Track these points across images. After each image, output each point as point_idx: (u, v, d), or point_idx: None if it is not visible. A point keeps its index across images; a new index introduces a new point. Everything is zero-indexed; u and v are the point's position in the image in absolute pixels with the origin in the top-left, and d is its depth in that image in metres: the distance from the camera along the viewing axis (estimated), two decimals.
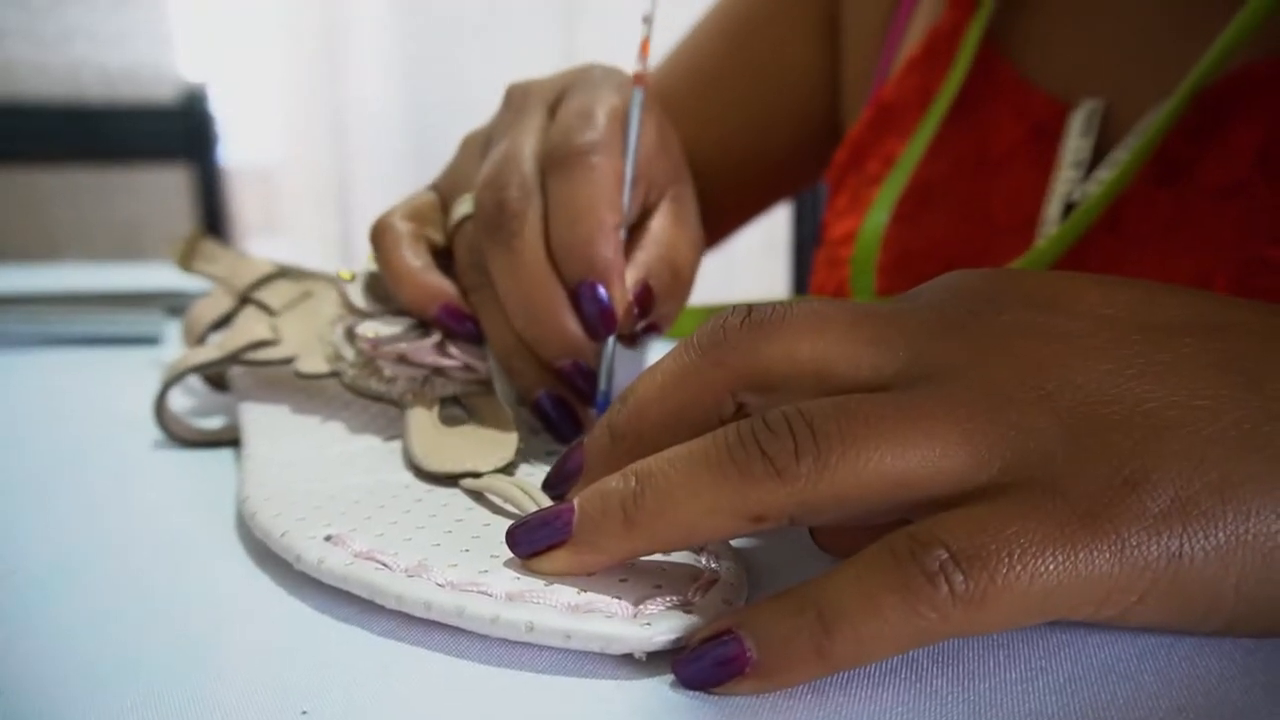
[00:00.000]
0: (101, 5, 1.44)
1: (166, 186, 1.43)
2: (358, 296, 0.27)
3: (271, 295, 0.33)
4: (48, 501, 0.26)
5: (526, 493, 0.22)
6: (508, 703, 0.17)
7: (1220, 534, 0.16)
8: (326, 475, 0.24)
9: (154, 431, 0.31)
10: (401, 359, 0.27)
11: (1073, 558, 0.16)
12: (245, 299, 0.34)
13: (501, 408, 0.27)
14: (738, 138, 0.53)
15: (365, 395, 0.28)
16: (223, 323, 0.34)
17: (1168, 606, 0.16)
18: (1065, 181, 0.35)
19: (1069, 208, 0.35)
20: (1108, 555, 0.16)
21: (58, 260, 1.21)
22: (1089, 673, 0.17)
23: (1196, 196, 0.33)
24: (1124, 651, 0.18)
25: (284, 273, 0.35)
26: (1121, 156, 0.34)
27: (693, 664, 0.17)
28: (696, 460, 0.18)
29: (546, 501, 0.21)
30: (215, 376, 0.35)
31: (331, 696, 0.16)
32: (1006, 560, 0.16)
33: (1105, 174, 0.34)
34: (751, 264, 1.30)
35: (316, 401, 0.30)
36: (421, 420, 0.26)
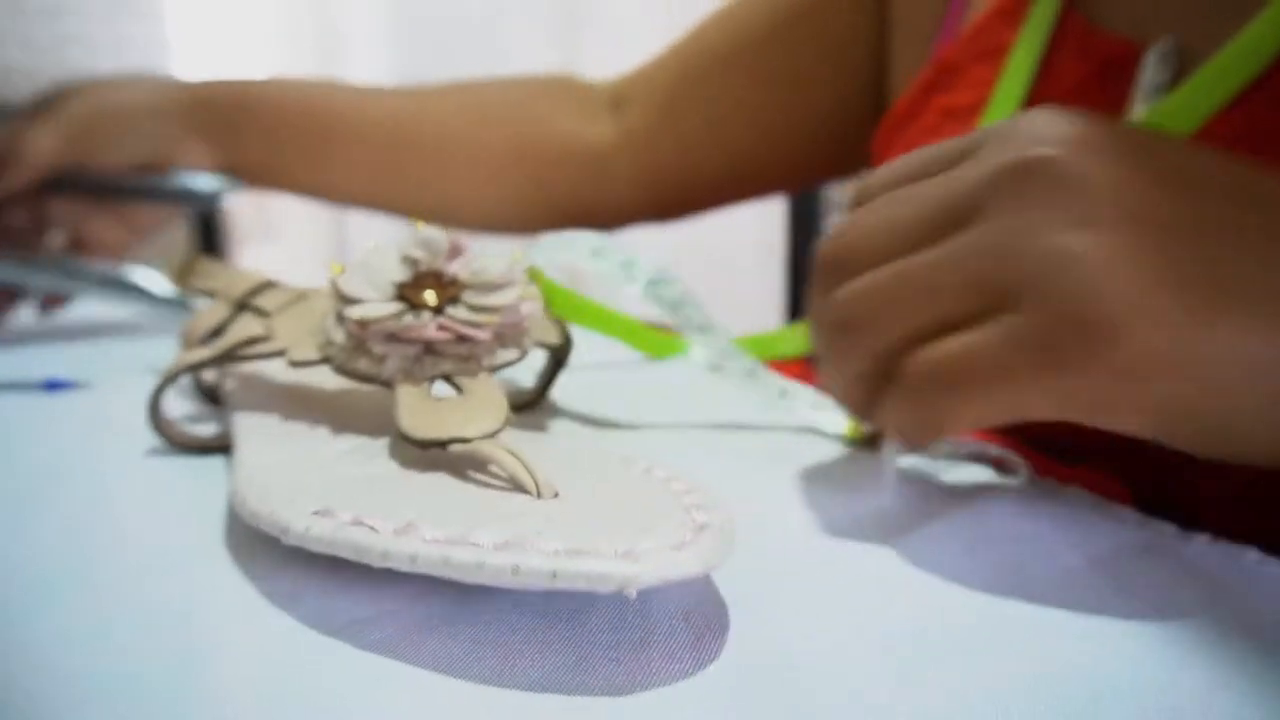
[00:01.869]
0: (98, 13, 1.44)
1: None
2: (348, 284, 0.27)
3: (266, 300, 0.34)
4: (35, 509, 0.26)
5: (516, 457, 0.22)
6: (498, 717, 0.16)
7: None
8: (317, 468, 0.24)
9: (147, 437, 0.31)
10: (391, 337, 0.27)
11: None
12: (241, 305, 0.34)
13: (493, 384, 0.27)
14: (776, 108, 0.55)
15: (355, 377, 0.27)
16: (220, 331, 0.34)
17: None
18: (1141, 107, 0.36)
19: None
20: None
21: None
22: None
23: None
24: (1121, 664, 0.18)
25: (279, 284, 0.35)
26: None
27: None
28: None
29: (537, 470, 0.22)
30: (210, 389, 0.35)
31: (320, 703, 0.16)
32: None
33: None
34: (747, 271, 1.30)
35: (309, 407, 0.30)
36: (410, 395, 0.26)
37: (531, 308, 0.29)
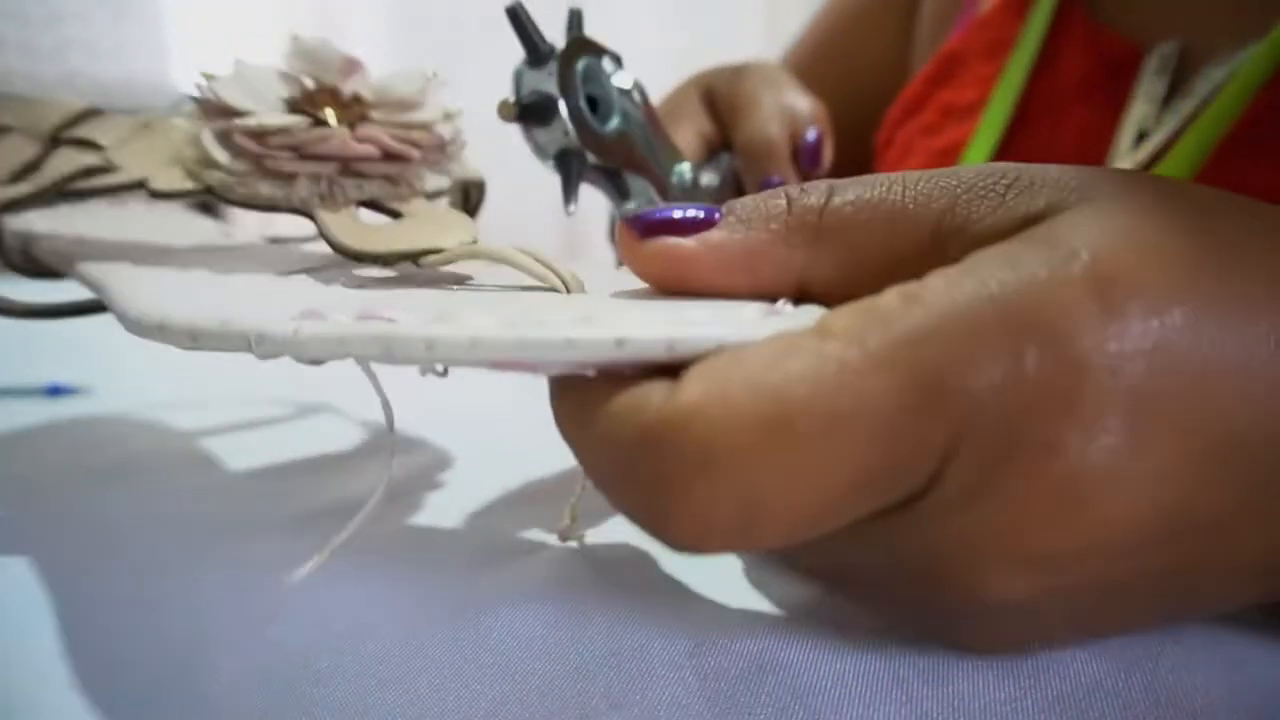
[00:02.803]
0: (98, 18, 1.44)
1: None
2: (228, 93, 0.22)
3: (94, 131, 0.25)
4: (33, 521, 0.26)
5: (529, 254, 0.19)
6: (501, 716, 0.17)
7: None
8: (250, 285, 0.20)
9: (144, 441, 0.31)
10: (299, 153, 0.21)
11: None
12: (56, 140, 0.25)
13: (438, 207, 0.23)
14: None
15: (252, 206, 0.22)
16: (29, 171, 0.25)
17: None
18: (1139, 113, 0.37)
19: (1141, 137, 0.36)
20: None
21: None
22: (1076, 690, 0.17)
23: None
24: (1111, 667, 0.18)
25: (107, 113, 0.27)
26: (1203, 87, 0.35)
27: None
28: None
29: (558, 265, 0.19)
30: (33, 261, 0.27)
31: (319, 712, 0.17)
32: None
33: (1185, 103, 0.35)
34: None
35: (184, 261, 0.24)
36: (339, 218, 0.21)
37: (452, 130, 0.24)
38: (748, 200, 0.18)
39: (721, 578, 0.22)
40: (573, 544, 0.23)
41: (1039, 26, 0.42)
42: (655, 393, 0.14)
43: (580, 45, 0.28)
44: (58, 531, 0.25)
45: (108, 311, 0.26)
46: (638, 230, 0.17)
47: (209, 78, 0.22)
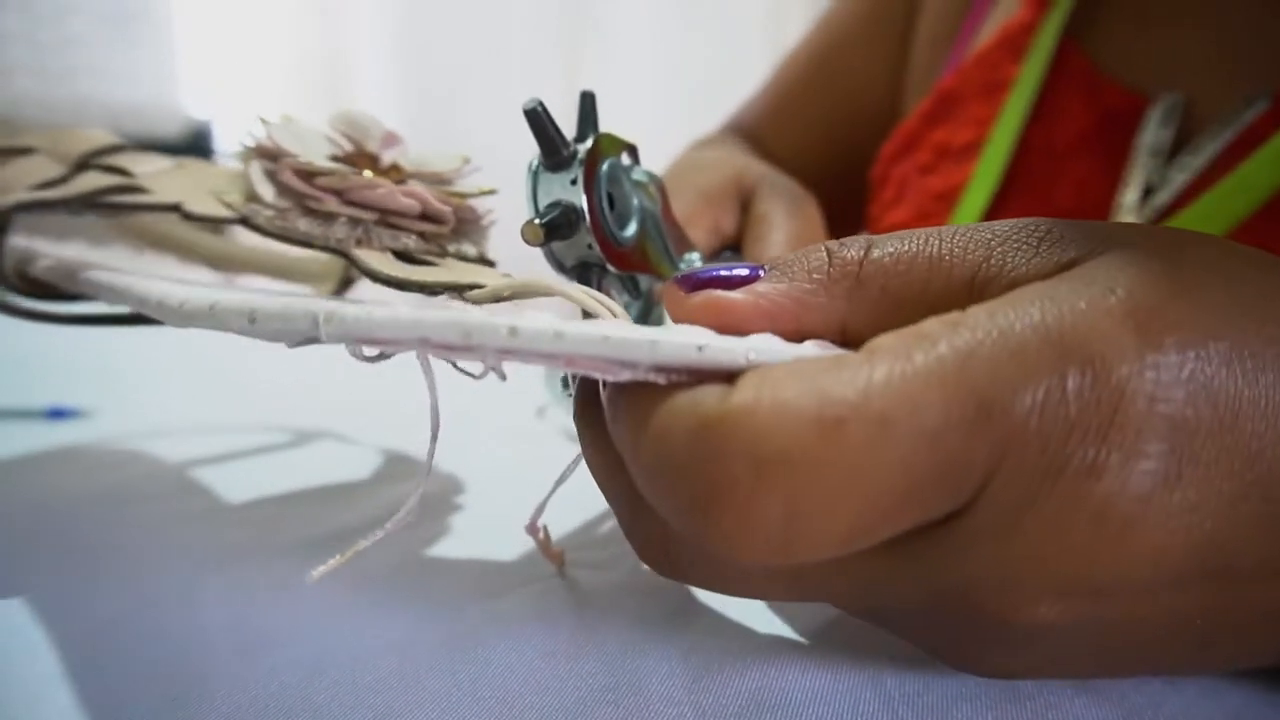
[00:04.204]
0: (109, 43, 1.46)
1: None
2: (281, 137, 0.22)
3: (126, 162, 0.25)
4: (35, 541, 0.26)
5: (595, 298, 0.19)
6: None
7: None
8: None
9: (145, 466, 0.31)
10: (342, 196, 0.22)
11: None
12: (85, 165, 0.25)
13: (469, 266, 0.23)
14: (817, 145, 0.58)
15: (290, 240, 0.22)
16: (52, 186, 0.24)
17: None
18: (1143, 168, 0.37)
19: (1148, 193, 0.36)
20: None
21: None
22: None
23: None
24: (1111, 713, 0.18)
25: (135, 150, 0.27)
26: (1210, 146, 0.35)
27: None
28: None
29: (612, 304, 0.19)
30: (29, 280, 0.27)
31: None
32: None
33: (1194, 160, 0.35)
34: None
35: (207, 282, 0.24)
36: (376, 255, 0.21)
37: (484, 207, 0.25)
38: (789, 255, 0.18)
39: (718, 606, 0.22)
40: (561, 569, 0.23)
41: (1036, 70, 0.42)
42: (711, 394, 0.14)
43: (603, 145, 0.25)
44: (54, 559, 0.25)
45: (112, 324, 0.26)
46: (686, 287, 0.18)
47: (265, 123, 0.23)
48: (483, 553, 0.25)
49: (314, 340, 0.15)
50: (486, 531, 0.27)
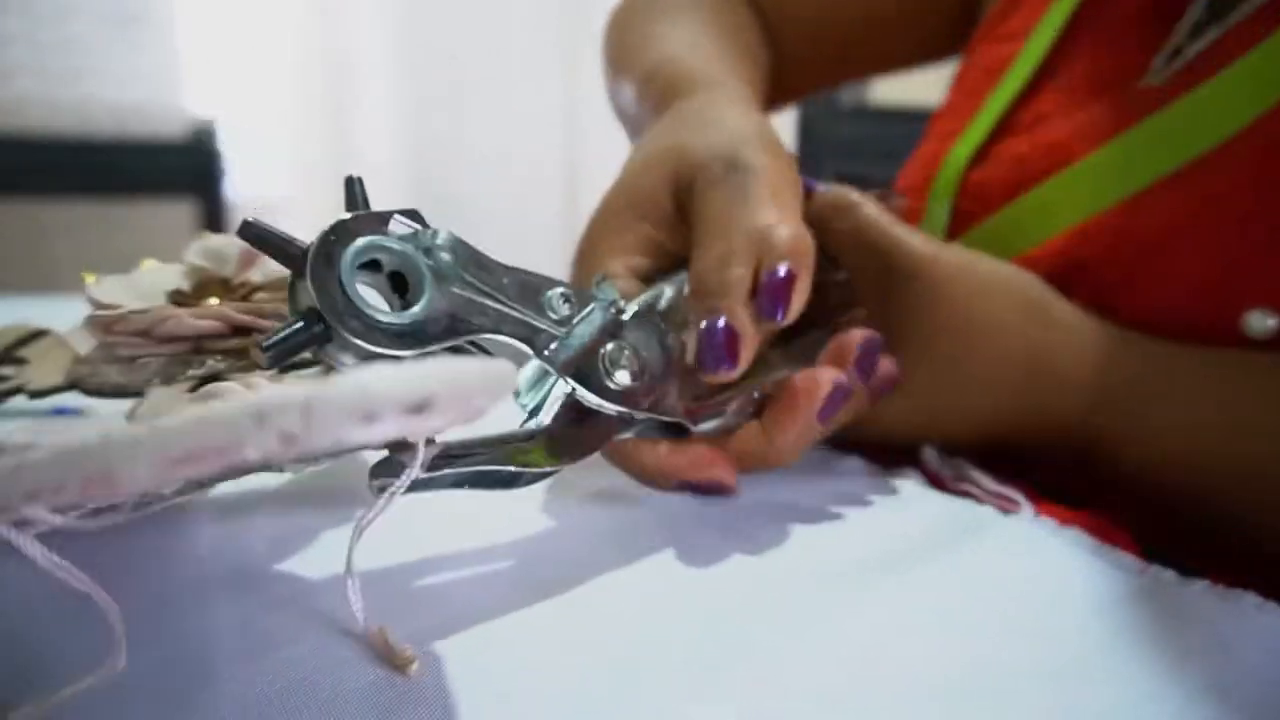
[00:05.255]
0: (111, 43, 1.46)
1: (172, 221, 1.44)
2: (103, 292, 0.22)
3: (29, 349, 0.28)
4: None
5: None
6: None
7: None
8: None
9: None
10: (145, 337, 0.21)
11: None
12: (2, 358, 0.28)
13: (286, 383, 0.22)
14: None
15: (104, 394, 0.22)
16: None
17: None
18: (1183, 42, 0.37)
19: (1175, 53, 0.37)
20: None
21: (64, 292, 1.21)
22: None
23: None
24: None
25: (50, 333, 0.28)
26: (1236, 15, 0.36)
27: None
28: None
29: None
30: None
31: None
32: None
33: (1214, 31, 0.36)
34: None
35: None
36: (164, 394, 0.20)
37: None
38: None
39: (720, 618, 0.22)
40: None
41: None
42: None
43: (349, 226, 0.20)
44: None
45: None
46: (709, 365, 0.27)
47: (86, 281, 0.23)
48: (482, 551, 0.25)
49: None
50: (486, 526, 0.27)
